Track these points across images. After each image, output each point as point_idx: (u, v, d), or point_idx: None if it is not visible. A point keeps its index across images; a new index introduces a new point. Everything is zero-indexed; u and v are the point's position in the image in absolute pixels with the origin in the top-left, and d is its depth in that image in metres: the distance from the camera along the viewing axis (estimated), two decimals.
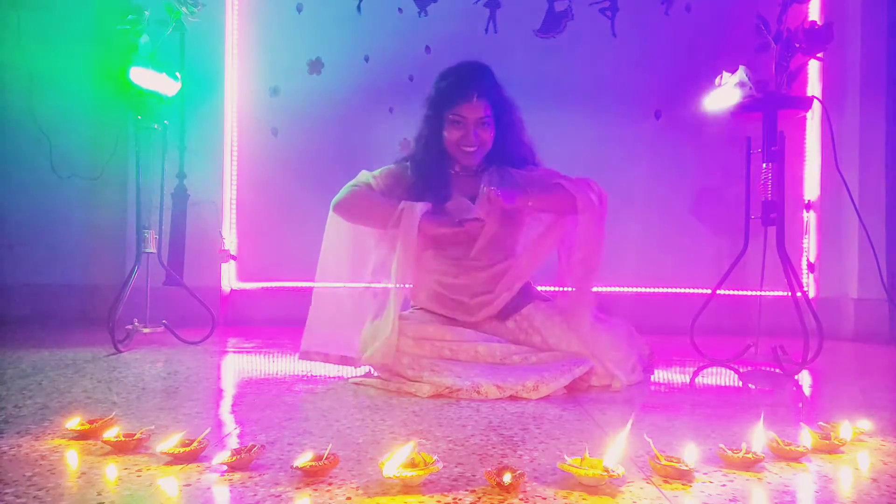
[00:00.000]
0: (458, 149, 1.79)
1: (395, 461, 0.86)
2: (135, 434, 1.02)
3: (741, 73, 1.99)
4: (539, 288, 1.92)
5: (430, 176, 1.81)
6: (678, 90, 3.06)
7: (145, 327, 2.32)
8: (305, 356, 1.79)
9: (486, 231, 1.74)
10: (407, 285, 1.77)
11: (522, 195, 1.72)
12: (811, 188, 3.15)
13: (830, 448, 1.06)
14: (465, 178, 1.84)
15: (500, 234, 1.78)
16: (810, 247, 3.17)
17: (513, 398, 1.48)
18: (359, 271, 1.81)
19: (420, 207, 1.69)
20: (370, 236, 1.81)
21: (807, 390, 1.77)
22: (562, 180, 1.76)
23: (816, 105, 2.19)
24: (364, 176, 1.84)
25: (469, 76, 1.79)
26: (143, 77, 2.17)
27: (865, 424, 1.17)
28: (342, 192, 1.79)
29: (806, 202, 3.15)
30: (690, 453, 0.93)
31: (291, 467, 0.89)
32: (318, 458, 0.91)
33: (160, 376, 1.75)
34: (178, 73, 2.31)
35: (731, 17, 3.12)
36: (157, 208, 2.53)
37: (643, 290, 3.15)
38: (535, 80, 3.15)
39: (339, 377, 1.76)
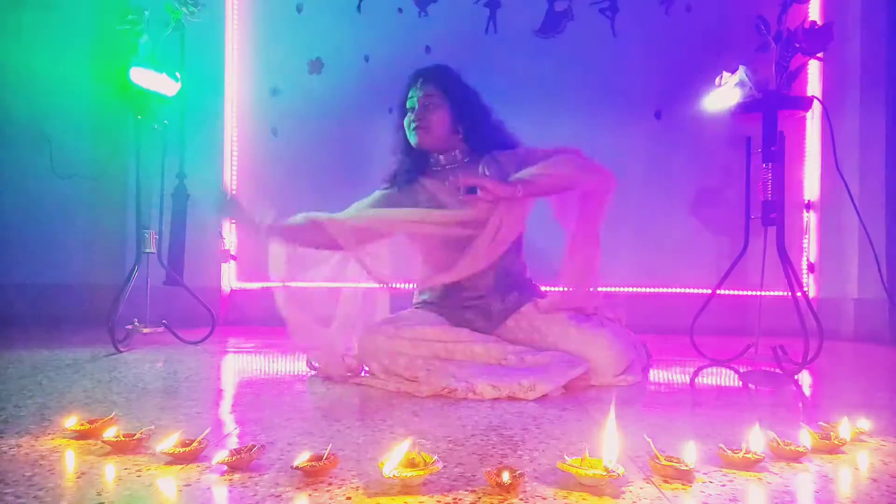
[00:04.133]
0: (409, 131, 1.83)
1: (394, 460, 0.86)
2: (135, 434, 1.02)
3: (741, 73, 1.99)
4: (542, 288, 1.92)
5: (408, 179, 1.85)
6: (678, 90, 3.06)
7: (145, 327, 2.32)
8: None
9: (489, 224, 1.68)
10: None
11: (510, 185, 1.61)
12: (811, 188, 3.15)
13: (830, 448, 1.06)
14: (453, 172, 1.81)
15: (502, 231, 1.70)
16: (810, 247, 3.16)
17: (512, 398, 1.48)
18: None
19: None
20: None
21: (807, 390, 1.77)
22: (564, 157, 1.75)
23: (816, 105, 2.19)
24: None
25: (418, 69, 1.87)
26: (143, 77, 2.17)
27: (865, 424, 1.17)
28: None
29: (806, 202, 3.15)
30: (690, 453, 0.93)
31: (291, 467, 0.89)
32: (318, 458, 0.91)
33: (160, 376, 1.75)
34: (178, 73, 2.31)
35: (731, 17, 3.12)
36: (157, 208, 2.53)
37: (643, 290, 3.15)
38: (535, 80, 3.16)
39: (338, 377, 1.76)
